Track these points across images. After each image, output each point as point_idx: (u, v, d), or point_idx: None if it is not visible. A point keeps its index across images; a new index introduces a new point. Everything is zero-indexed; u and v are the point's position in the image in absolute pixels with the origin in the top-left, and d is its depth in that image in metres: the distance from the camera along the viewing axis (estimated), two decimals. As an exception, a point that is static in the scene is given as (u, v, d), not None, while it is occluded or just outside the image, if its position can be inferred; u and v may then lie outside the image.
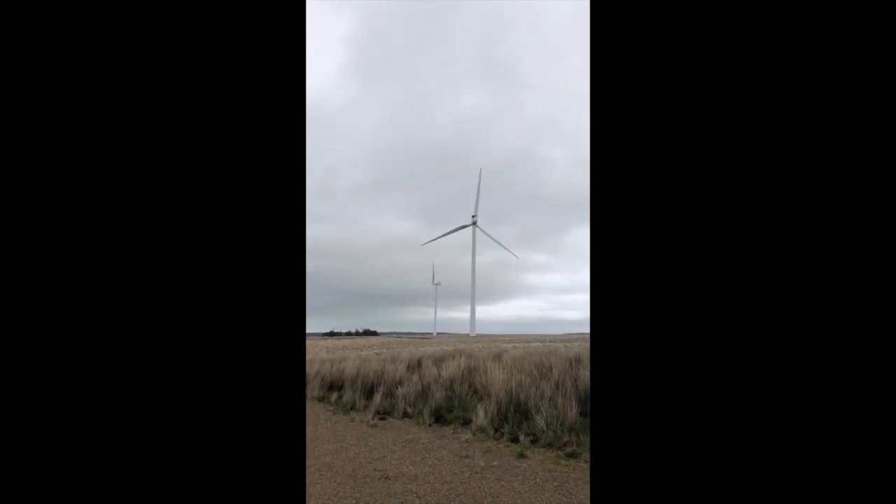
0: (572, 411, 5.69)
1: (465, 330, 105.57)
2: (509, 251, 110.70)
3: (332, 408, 8.10)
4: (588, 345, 14.08)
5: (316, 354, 16.20)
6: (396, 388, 8.24)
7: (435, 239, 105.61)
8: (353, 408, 7.89)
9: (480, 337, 70.22)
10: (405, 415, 7.08)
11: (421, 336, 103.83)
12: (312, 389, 9.47)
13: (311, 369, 10.95)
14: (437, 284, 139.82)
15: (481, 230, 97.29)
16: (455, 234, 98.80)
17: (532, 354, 10.95)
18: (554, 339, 37.15)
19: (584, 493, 3.72)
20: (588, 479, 4.11)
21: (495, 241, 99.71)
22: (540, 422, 5.55)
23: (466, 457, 4.83)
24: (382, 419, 6.98)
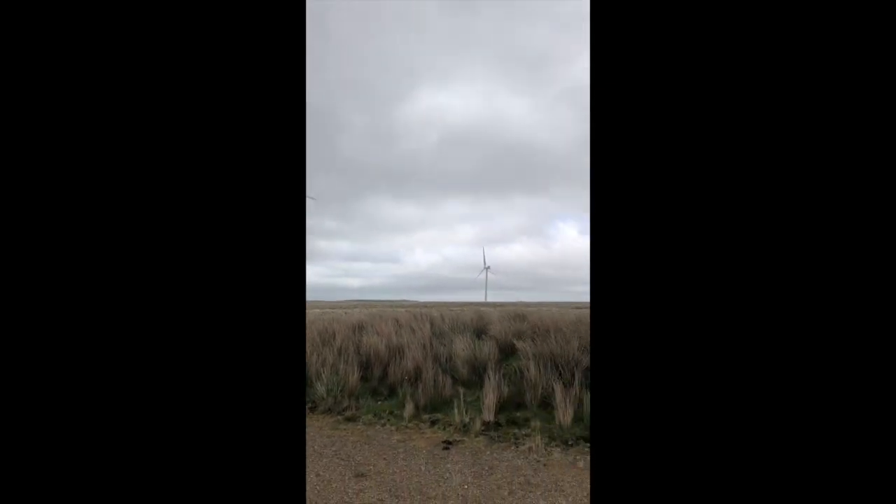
0: (354, 376, 5.78)
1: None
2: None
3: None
4: (370, 311, 14.57)
5: None
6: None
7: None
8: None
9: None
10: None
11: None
12: None
13: None
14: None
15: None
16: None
17: (315, 322, 10.69)
18: (335, 305, 37.33)
19: (362, 455, 3.83)
20: (367, 440, 4.24)
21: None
22: (320, 389, 5.46)
23: (236, 431, 4.39)
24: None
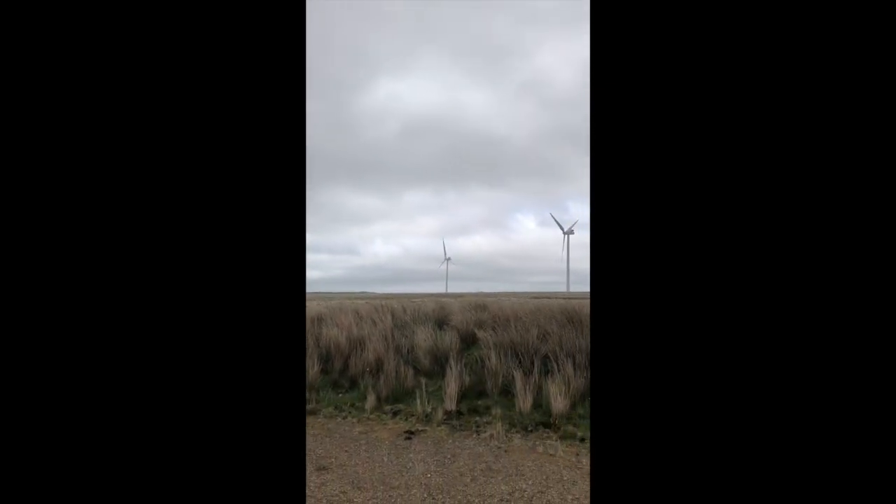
0: (313, 369, 5.69)
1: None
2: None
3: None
4: (329, 304, 14.34)
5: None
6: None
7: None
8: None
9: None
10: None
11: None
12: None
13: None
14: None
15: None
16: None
17: (271, 314, 10.39)
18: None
19: (323, 448, 3.78)
20: (328, 433, 4.19)
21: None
22: (279, 383, 5.34)
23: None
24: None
